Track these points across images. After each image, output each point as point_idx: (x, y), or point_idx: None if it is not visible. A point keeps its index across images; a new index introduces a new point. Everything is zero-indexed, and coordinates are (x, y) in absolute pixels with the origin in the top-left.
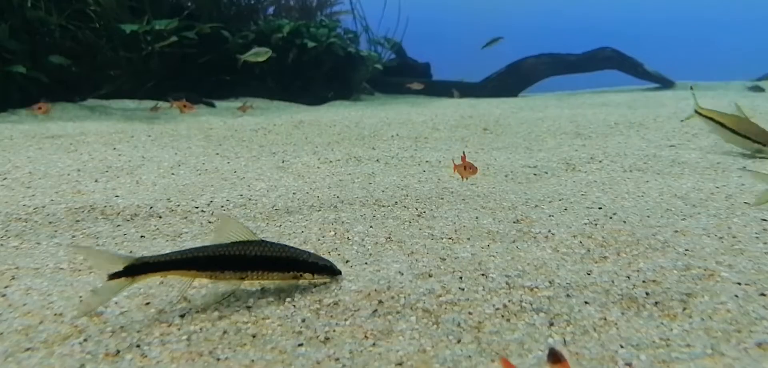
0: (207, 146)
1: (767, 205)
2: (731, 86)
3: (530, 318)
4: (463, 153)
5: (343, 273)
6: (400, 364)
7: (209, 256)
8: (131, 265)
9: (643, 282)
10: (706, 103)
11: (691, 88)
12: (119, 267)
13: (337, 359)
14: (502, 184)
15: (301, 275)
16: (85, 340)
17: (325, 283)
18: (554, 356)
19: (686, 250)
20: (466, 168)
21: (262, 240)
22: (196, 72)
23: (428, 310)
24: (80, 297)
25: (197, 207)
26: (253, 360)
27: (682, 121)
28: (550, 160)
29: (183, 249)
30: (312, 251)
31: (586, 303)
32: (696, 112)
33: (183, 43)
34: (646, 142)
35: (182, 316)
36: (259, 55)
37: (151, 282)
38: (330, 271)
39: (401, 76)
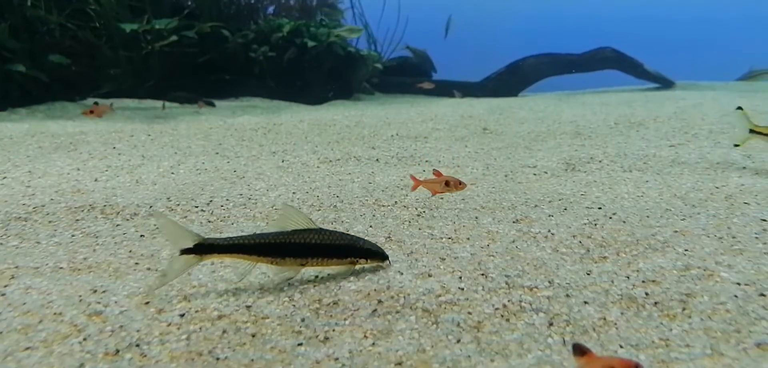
0: (206, 145)
1: (767, 205)
2: (730, 87)
3: (530, 318)
4: (434, 170)
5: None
6: (400, 364)
7: (273, 243)
8: (200, 244)
9: (643, 282)
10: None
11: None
12: (189, 244)
13: (337, 358)
14: (502, 183)
15: (356, 261)
16: (84, 339)
17: (376, 267)
18: (579, 349)
19: (686, 250)
20: (448, 184)
21: (321, 228)
22: (196, 71)
23: (428, 310)
24: (80, 296)
25: (197, 207)
26: (252, 360)
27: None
28: (550, 160)
29: (249, 234)
30: (364, 237)
31: (585, 303)
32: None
33: (183, 42)
34: (646, 142)
35: (182, 315)
36: (353, 31)
37: (148, 279)
38: (381, 256)
39: (401, 75)
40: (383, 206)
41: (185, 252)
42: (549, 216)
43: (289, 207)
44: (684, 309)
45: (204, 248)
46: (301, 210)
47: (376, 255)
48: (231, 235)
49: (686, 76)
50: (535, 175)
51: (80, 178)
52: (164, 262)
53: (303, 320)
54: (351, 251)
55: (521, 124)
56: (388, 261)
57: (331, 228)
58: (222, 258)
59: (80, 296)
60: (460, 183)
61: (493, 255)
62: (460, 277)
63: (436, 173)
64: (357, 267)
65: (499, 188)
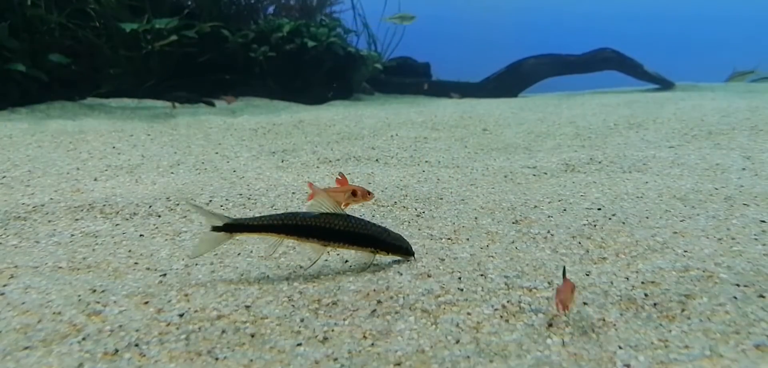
0: (206, 145)
1: (766, 207)
2: (729, 88)
3: (529, 318)
4: (340, 173)
5: (414, 257)
6: (399, 364)
7: (298, 224)
8: (231, 223)
9: (642, 283)
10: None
11: None
12: (220, 223)
13: (336, 359)
14: (502, 184)
15: (377, 251)
16: (83, 339)
17: (399, 260)
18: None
19: (685, 251)
20: (355, 194)
21: (347, 215)
22: (196, 71)
23: (427, 310)
24: (79, 296)
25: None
26: (251, 360)
27: None
28: (550, 161)
29: (277, 214)
30: (390, 230)
31: (584, 304)
32: None
33: (183, 42)
34: (646, 143)
35: (181, 315)
36: (405, 18)
37: (147, 279)
38: (405, 251)
39: (401, 76)
40: (383, 206)
41: (215, 229)
42: (548, 217)
43: (319, 190)
44: (683, 310)
45: (233, 227)
46: (328, 193)
47: (399, 249)
48: (260, 215)
49: (686, 77)
50: (534, 175)
51: (80, 177)
52: (164, 262)
53: (302, 320)
54: (372, 242)
55: (521, 124)
56: (413, 257)
57: (358, 216)
58: (252, 236)
59: (79, 296)
60: (368, 193)
61: (492, 256)
62: (460, 278)
63: (341, 181)
64: (378, 257)
65: (499, 189)
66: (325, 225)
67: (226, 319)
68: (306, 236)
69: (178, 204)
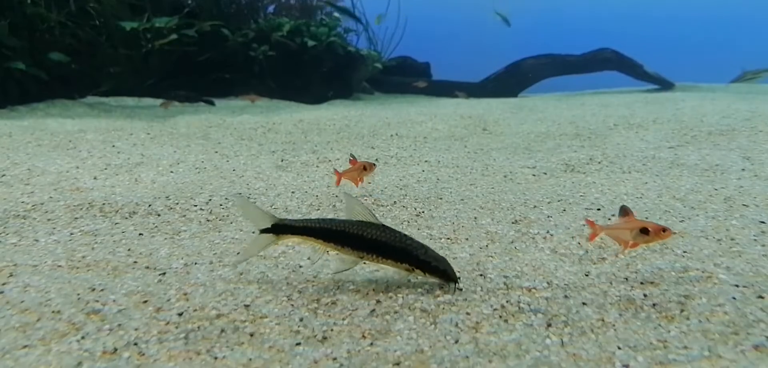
0: (206, 144)
1: (766, 208)
2: (729, 89)
3: (528, 318)
4: (351, 156)
5: (458, 281)
6: (398, 364)
7: (336, 230)
8: (277, 225)
9: (641, 283)
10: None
11: None
12: (268, 225)
13: (335, 358)
14: (501, 184)
15: (412, 269)
16: (82, 338)
17: (437, 283)
18: (623, 210)
19: (684, 252)
20: (366, 168)
21: (383, 225)
22: (196, 70)
23: (426, 310)
24: (78, 294)
25: (195, 205)
26: (250, 359)
27: None
28: (549, 161)
29: (318, 218)
30: (430, 247)
31: (584, 304)
32: None
33: (183, 41)
34: (645, 144)
35: (180, 314)
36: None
37: (146, 278)
38: (442, 274)
39: (401, 75)
40: (382, 206)
41: (264, 232)
42: (548, 217)
43: (352, 199)
44: (682, 310)
45: (279, 229)
46: (362, 202)
47: (437, 271)
48: (303, 218)
49: (686, 77)
50: (534, 175)
51: (79, 176)
52: (163, 261)
53: (301, 319)
54: (406, 257)
55: (521, 124)
56: (454, 285)
57: (398, 229)
58: (294, 240)
59: (78, 294)
60: (372, 164)
61: (491, 256)
62: (459, 278)
63: (353, 162)
64: (413, 276)
65: (499, 189)
66: (358, 233)
67: (225, 318)
68: (342, 244)
69: (177, 203)
